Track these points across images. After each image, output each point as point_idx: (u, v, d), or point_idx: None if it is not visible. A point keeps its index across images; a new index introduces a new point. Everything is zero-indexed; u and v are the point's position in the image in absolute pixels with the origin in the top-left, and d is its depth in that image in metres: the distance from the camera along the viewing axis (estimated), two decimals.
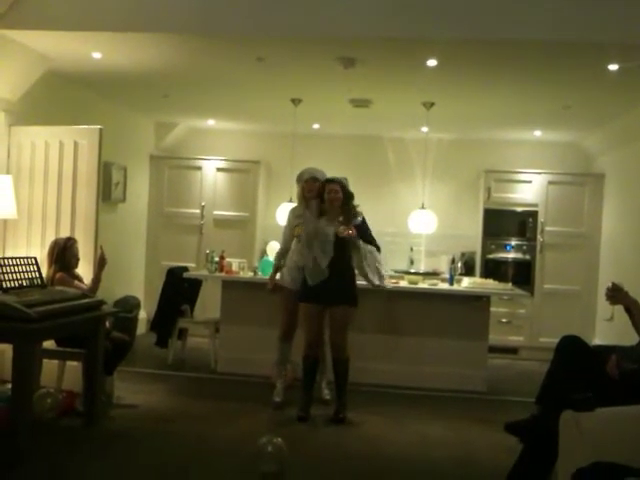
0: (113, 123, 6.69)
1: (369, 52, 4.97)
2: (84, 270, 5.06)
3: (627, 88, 5.53)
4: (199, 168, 8.35)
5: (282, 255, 5.36)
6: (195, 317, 6.85)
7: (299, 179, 5.35)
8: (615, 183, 7.51)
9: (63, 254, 4.86)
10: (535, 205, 7.87)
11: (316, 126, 8.00)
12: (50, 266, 4.85)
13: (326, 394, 5.34)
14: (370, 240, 5.06)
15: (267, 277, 5.85)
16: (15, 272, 4.43)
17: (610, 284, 3.62)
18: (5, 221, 5.31)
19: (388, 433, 4.71)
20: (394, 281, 6.22)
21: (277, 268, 5.41)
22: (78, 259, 4.96)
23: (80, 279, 4.96)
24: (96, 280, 4.88)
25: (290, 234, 5.32)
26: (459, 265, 7.86)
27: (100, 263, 4.89)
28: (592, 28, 4.42)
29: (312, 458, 4.14)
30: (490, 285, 6.26)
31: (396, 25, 4.55)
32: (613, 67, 4.88)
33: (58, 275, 4.78)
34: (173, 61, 5.48)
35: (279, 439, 3.79)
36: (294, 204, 5.88)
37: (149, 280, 8.23)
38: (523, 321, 7.83)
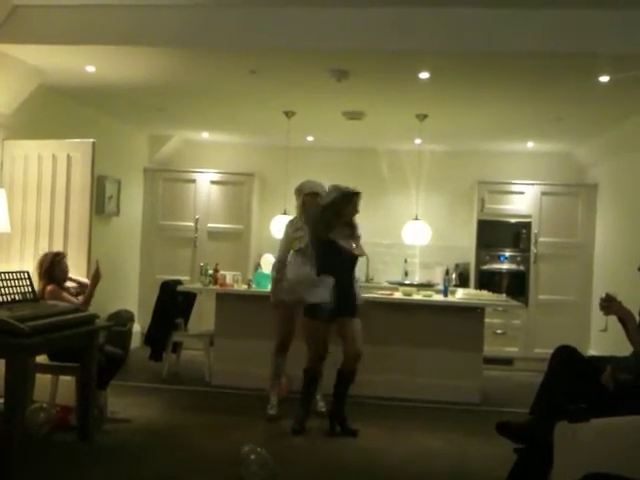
0: (107, 136, 6.70)
1: (362, 65, 4.99)
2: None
3: (619, 99, 5.57)
4: (193, 181, 8.36)
5: (280, 268, 5.27)
6: (189, 330, 6.83)
7: (299, 192, 5.31)
8: (608, 193, 7.54)
9: (51, 269, 4.82)
10: (528, 216, 7.90)
11: (310, 138, 8.02)
12: (40, 280, 4.82)
13: (321, 407, 5.32)
14: None
15: (261, 289, 5.88)
16: (8, 286, 4.42)
17: (604, 294, 3.62)
18: None
19: (383, 445, 4.69)
20: (388, 293, 6.22)
21: (277, 281, 5.28)
22: (67, 274, 4.92)
23: (71, 293, 4.93)
24: (89, 295, 4.85)
25: (287, 247, 5.28)
26: (453, 276, 7.88)
27: (94, 278, 4.87)
28: (583, 40, 4.46)
29: (308, 470, 4.12)
30: (484, 296, 6.26)
31: (388, 38, 4.58)
32: (604, 79, 4.92)
33: (49, 287, 4.75)
34: (166, 74, 5.50)
35: (262, 449, 3.80)
36: (288, 216, 5.88)
37: (143, 293, 8.20)
38: (518, 332, 7.83)
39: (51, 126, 5.87)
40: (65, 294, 4.80)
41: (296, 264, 5.22)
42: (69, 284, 4.97)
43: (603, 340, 6.76)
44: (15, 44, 4.86)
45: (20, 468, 3.74)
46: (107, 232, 7.31)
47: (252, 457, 3.76)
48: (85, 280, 5.00)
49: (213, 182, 8.33)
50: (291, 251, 5.27)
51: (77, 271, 5.07)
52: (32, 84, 5.46)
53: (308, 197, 5.22)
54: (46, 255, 4.92)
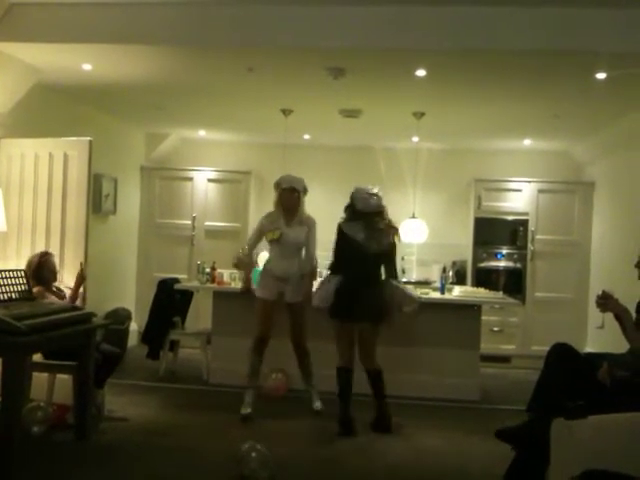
0: (103, 134, 6.69)
1: (358, 62, 4.99)
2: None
3: (616, 97, 5.57)
4: (190, 179, 8.35)
5: (250, 253, 5.35)
6: (186, 329, 6.82)
7: (276, 186, 5.27)
8: (605, 191, 7.55)
9: (39, 270, 4.79)
10: (525, 214, 7.90)
11: (307, 136, 8.01)
12: (27, 282, 4.76)
13: (317, 405, 5.28)
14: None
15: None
16: (4, 285, 4.40)
17: (601, 292, 3.64)
18: None
19: (382, 443, 4.70)
20: None
21: (250, 264, 5.38)
22: (55, 273, 4.90)
23: (59, 295, 4.90)
24: (73, 295, 4.81)
25: (257, 238, 5.31)
26: (450, 274, 7.86)
27: (78, 280, 4.84)
28: (580, 38, 4.46)
29: (307, 469, 4.12)
30: (481, 294, 6.27)
31: (385, 35, 4.58)
32: (601, 76, 4.92)
33: (36, 289, 4.71)
34: (163, 72, 5.49)
35: (262, 446, 3.81)
36: None
37: (140, 292, 8.19)
38: (515, 329, 7.84)
39: (48, 124, 5.86)
40: (51, 296, 4.78)
41: (276, 256, 5.20)
42: (63, 288, 4.95)
43: (600, 337, 6.77)
44: (12, 42, 4.84)
45: (18, 467, 3.73)
46: (104, 230, 7.30)
47: (253, 455, 3.77)
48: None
49: (210, 180, 8.32)
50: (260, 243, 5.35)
51: (74, 270, 5.05)
52: (29, 82, 5.44)
53: (286, 192, 5.16)
54: (34, 256, 4.90)
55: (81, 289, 4.91)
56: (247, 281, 5.38)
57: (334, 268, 4.98)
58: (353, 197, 4.97)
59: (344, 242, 4.92)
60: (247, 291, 5.32)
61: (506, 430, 3.43)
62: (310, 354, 5.25)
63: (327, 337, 5.01)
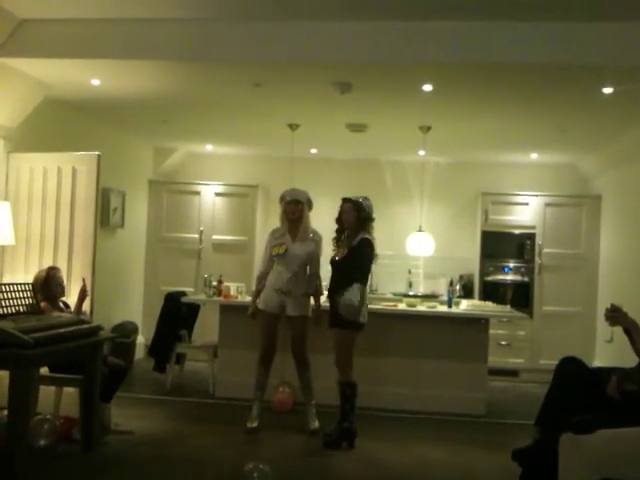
0: (112, 149, 6.73)
1: (365, 77, 5.01)
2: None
3: (622, 110, 5.57)
4: (197, 193, 8.38)
5: (261, 278, 5.24)
6: (193, 342, 6.82)
7: (281, 199, 5.26)
8: (612, 204, 7.53)
9: (47, 284, 4.80)
10: (533, 227, 7.89)
11: (314, 150, 8.04)
12: (34, 297, 4.78)
13: (313, 426, 5.09)
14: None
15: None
16: (12, 298, 4.41)
17: (609, 305, 3.62)
18: (3, 247, 5.32)
19: (388, 456, 4.67)
20: (392, 304, 6.21)
21: (258, 292, 5.27)
22: (63, 287, 4.91)
23: (66, 306, 4.91)
24: (76, 312, 4.81)
25: (269, 256, 5.21)
26: (457, 287, 7.86)
27: (81, 296, 4.86)
28: (586, 51, 4.47)
29: None
30: (489, 307, 6.25)
31: (392, 50, 4.60)
32: (607, 90, 4.93)
33: (43, 304, 4.70)
34: (171, 87, 5.53)
35: (265, 466, 3.78)
36: None
37: (147, 305, 8.20)
38: (523, 343, 7.80)
39: (56, 139, 5.90)
40: (58, 311, 4.77)
41: (280, 270, 5.12)
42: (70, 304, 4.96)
43: (608, 351, 6.73)
44: (21, 58, 4.90)
45: (23, 479, 3.74)
46: (112, 244, 7.32)
47: (255, 475, 3.73)
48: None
49: (217, 194, 8.35)
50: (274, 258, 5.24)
51: (81, 283, 5.07)
52: (38, 97, 5.49)
53: (290, 205, 5.15)
54: (41, 271, 4.92)
55: (84, 306, 4.92)
56: (254, 306, 5.32)
57: (365, 280, 4.92)
58: (369, 208, 4.94)
59: (373, 255, 4.94)
60: (253, 315, 5.29)
61: (521, 451, 3.39)
62: (311, 368, 5.17)
63: (328, 350, 4.98)
